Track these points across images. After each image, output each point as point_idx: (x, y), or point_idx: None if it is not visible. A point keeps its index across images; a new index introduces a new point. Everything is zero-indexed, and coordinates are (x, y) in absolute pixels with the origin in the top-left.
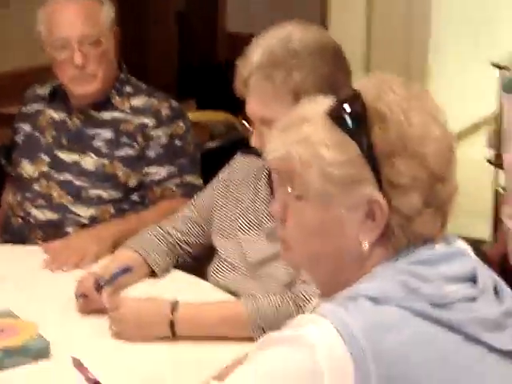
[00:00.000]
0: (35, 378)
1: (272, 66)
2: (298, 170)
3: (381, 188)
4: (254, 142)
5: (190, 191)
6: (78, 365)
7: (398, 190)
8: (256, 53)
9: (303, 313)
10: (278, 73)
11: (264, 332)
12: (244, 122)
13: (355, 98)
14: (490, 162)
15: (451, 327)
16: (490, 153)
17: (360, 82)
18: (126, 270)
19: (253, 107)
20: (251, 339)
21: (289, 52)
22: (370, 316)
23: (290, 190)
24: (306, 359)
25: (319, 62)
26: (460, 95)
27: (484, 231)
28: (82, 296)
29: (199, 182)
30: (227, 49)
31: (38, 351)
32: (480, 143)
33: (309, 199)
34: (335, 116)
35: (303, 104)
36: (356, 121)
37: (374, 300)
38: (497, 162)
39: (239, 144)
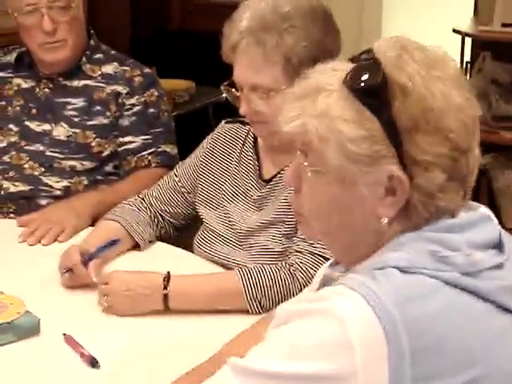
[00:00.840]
0: (26, 356)
1: (263, 30)
2: (315, 144)
3: (402, 164)
4: (242, 109)
5: (165, 160)
6: (71, 341)
7: (420, 166)
8: (245, 17)
9: (299, 283)
10: (269, 37)
11: (260, 304)
12: (229, 87)
13: (374, 68)
14: None
15: (481, 296)
16: None
17: (377, 46)
18: (113, 243)
19: (242, 73)
20: (246, 312)
21: (280, 16)
22: (401, 286)
23: (306, 163)
24: (336, 332)
25: (311, 26)
26: None
27: None
28: (67, 270)
29: (175, 151)
30: (181, 17)
31: (28, 329)
32: None
33: (326, 174)
34: (353, 88)
35: (317, 71)
36: (376, 94)
37: (403, 270)
38: None
39: (203, 112)
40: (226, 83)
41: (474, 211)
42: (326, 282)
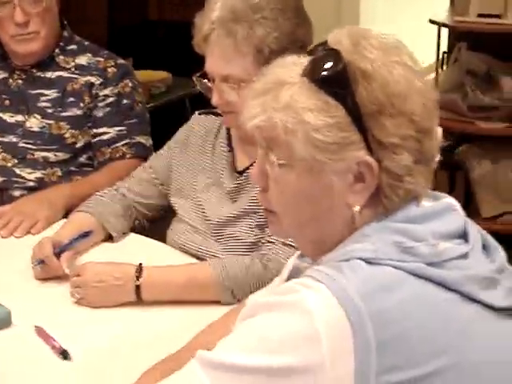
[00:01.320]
0: None
1: (234, 21)
2: (282, 137)
3: (370, 149)
4: (213, 99)
5: (140, 152)
6: (42, 333)
7: (387, 149)
8: (216, 8)
9: (271, 274)
10: (239, 28)
11: (233, 294)
12: (201, 78)
13: (333, 56)
14: None
15: (447, 286)
16: None
17: (332, 37)
18: (86, 235)
19: (213, 63)
20: (219, 302)
21: (251, 7)
22: (366, 278)
23: (273, 158)
24: (303, 325)
25: (282, 18)
26: None
27: None
28: (39, 262)
29: (149, 142)
30: (159, 7)
31: None
32: None
33: (295, 167)
34: (315, 78)
35: (276, 66)
36: (338, 82)
37: (369, 261)
38: None
39: (180, 103)
40: (197, 74)
41: (438, 201)
42: (295, 273)
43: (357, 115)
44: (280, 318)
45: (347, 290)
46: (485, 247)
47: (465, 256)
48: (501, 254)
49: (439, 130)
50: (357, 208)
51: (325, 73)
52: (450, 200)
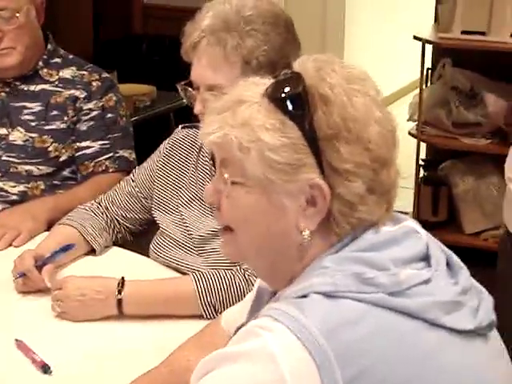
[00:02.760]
0: None
1: (225, 30)
2: (237, 155)
3: (323, 173)
4: (196, 108)
5: (123, 166)
6: (23, 347)
7: (340, 175)
8: (207, 16)
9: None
10: (230, 37)
11: (214, 309)
12: (186, 86)
13: (295, 79)
14: (411, 134)
15: (411, 314)
16: (411, 125)
17: (298, 63)
18: (67, 248)
19: (200, 72)
20: (200, 317)
21: (243, 18)
22: (327, 314)
23: (226, 175)
24: (267, 372)
25: (272, 32)
26: (378, 65)
27: (406, 204)
28: (21, 275)
29: (132, 156)
30: (143, 21)
31: None
32: (400, 114)
33: (247, 185)
34: (274, 98)
35: (238, 85)
36: (297, 103)
37: (328, 295)
38: (418, 135)
39: (164, 117)
40: (183, 82)
41: (399, 225)
42: (261, 293)
43: (312, 138)
44: (243, 369)
45: (309, 328)
46: (449, 267)
47: (427, 281)
48: (465, 273)
49: (397, 169)
50: (306, 232)
51: (284, 94)
52: (410, 223)
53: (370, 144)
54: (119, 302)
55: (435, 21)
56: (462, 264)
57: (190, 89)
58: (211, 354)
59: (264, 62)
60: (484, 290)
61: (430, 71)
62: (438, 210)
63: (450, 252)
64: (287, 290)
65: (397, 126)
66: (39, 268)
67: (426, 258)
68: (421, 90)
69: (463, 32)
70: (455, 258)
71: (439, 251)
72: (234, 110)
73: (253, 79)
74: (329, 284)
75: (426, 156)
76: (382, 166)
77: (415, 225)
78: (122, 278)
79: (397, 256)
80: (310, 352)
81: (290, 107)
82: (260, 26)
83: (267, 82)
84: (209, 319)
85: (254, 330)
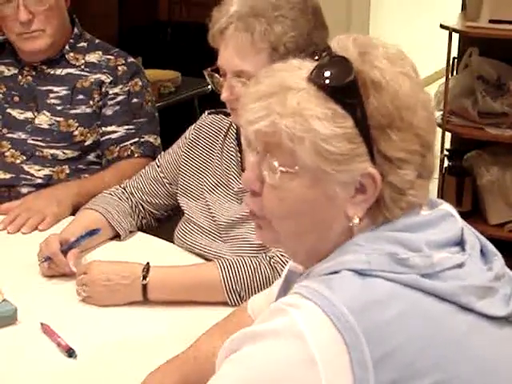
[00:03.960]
0: (3, 344)
1: (253, 16)
2: (288, 144)
3: (374, 162)
4: (224, 95)
5: (148, 151)
6: (48, 331)
7: (393, 163)
8: (235, 2)
9: (279, 276)
10: (258, 24)
11: (239, 296)
12: (212, 73)
13: (343, 65)
14: (436, 123)
15: (442, 297)
16: (437, 115)
17: (338, 44)
18: (93, 232)
19: (227, 58)
20: (225, 304)
21: (271, 4)
22: (357, 292)
23: (275, 164)
24: (296, 350)
25: (301, 19)
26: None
27: (430, 194)
28: (46, 259)
29: (158, 141)
30: (169, 7)
31: (5, 317)
32: None
33: (298, 175)
34: (324, 85)
35: (278, 68)
36: (350, 92)
37: (360, 273)
38: (443, 124)
39: (189, 103)
40: (209, 68)
41: (435, 208)
42: (290, 277)
43: (365, 127)
44: (270, 348)
45: (338, 306)
46: (483, 253)
47: (461, 265)
48: (499, 260)
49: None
50: (356, 220)
51: (334, 81)
52: (446, 207)
53: (420, 130)
54: (144, 287)
55: (462, 9)
56: (496, 251)
57: (216, 75)
58: (237, 333)
59: (292, 48)
60: None
61: (456, 60)
62: (462, 201)
63: (483, 238)
64: (318, 267)
65: (434, 106)
66: (65, 252)
67: (460, 243)
68: (447, 79)
69: (491, 21)
70: (489, 245)
71: (473, 236)
72: (281, 96)
73: (293, 62)
74: (362, 262)
75: (451, 146)
76: (428, 150)
77: (451, 209)
78: (147, 263)
79: (431, 238)
80: (339, 330)
81: (342, 96)
82: (288, 11)
83: (309, 65)
84: (233, 306)
85: (282, 307)
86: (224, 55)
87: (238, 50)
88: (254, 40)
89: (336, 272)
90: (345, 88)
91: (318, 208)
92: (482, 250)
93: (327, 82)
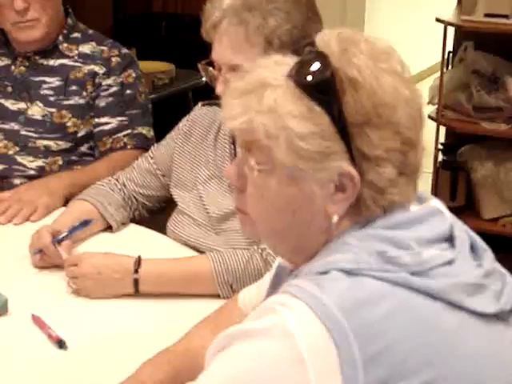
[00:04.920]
0: None
1: (247, 9)
2: (264, 142)
3: (352, 160)
4: (219, 89)
5: (141, 143)
6: (39, 322)
7: (371, 162)
8: None
9: (271, 268)
10: (252, 18)
11: (231, 288)
12: (207, 66)
13: (321, 62)
14: (430, 117)
15: (432, 295)
16: (431, 109)
17: (322, 40)
18: (85, 224)
19: (221, 53)
20: (217, 296)
21: None
22: (348, 291)
23: (252, 162)
24: (285, 349)
25: (294, 10)
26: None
27: (424, 188)
28: (38, 251)
29: (151, 133)
30: (163, 0)
31: None
32: None
33: (274, 173)
34: (301, 83)
35: (259, 65)
36: (326, 89)
37: (349, 273)
38: (438, 119)
39: (183, 95)
40: (204, 62)
41: (423, 204)
42: (280, 272)
43: (342, 125)
44: (260, 346)
45: (328, 306)
46: (473, 249)
47: (450, 262)
48: (489, 256)
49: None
50: (335, 218)
51: (311, 78)
52: (435, 202)
53: (400, 127)
54: (136, 281)
55: (458, 3)
56: (486, 246)
57: (210, 68)
58: (227, 330)
59: (286, 41)
60: (508, 274)
61: (451, 54)
62: (456, 195)
63: (473, 234)
64: (307, 266)
65: (423, 102)
66: (57, 243)
67: (450, 239)
68: (441, 73)
69: (486, 15)
70: (479, 240)
71: (463, 232)
72: (258, 94)
73: (274, 58)
74: (351, 261)
75: (445, 140)
76: (410, 148)
77: (440, 204)
78: (139, 256)
79: (420, 235)
80: (328, 330)
81: (319, 93)
82: (282, 4)
83: (289, 61)
84: (225, 299)
85: (272, 306)
86: (218, 50)
87: (233, 44)
88: (248, 34)
89: (325, 272)
90: (321, 85)
91: (298, 206)
92: (472, 246)
93: (304, 78)
